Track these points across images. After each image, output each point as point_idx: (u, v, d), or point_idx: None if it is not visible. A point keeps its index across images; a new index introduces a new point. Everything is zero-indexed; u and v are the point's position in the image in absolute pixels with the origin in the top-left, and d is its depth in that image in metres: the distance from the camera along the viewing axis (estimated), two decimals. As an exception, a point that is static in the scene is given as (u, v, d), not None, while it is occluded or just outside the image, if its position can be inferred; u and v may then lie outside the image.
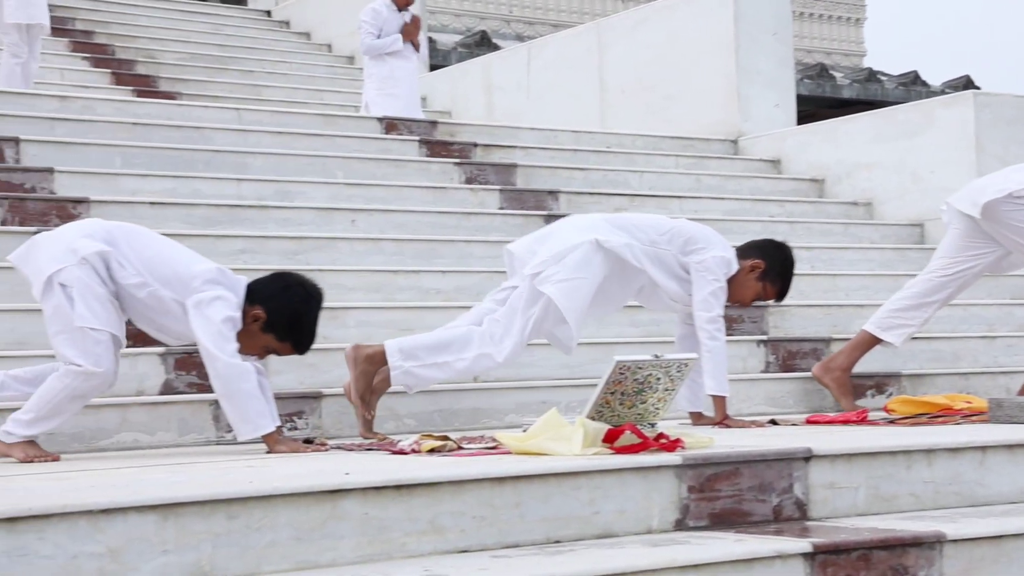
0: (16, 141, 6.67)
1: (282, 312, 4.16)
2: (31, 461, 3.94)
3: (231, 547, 2.86)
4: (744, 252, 5.02)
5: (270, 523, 2.91)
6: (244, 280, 4.23)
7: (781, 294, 5.05)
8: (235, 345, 4.08)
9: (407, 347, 4.61)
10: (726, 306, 4.98)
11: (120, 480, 3.34)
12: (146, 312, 4.17)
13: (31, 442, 4.01)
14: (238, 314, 4.12)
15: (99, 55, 11.52)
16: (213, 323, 4.05)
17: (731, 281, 4.94)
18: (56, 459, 4.02)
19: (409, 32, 9.59)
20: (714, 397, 4.90)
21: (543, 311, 4.63)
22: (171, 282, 4.13)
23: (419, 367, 4.59)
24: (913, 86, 17.55)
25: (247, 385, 4.06)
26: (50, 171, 6.39)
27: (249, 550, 2.88)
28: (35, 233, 5.64)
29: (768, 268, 4.98)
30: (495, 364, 4.68)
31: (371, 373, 4.59)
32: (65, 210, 5.98)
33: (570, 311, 4.61)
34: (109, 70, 11.11)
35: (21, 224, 5.81)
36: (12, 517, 2.63)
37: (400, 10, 9.54)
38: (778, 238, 5.33)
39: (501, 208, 7.49)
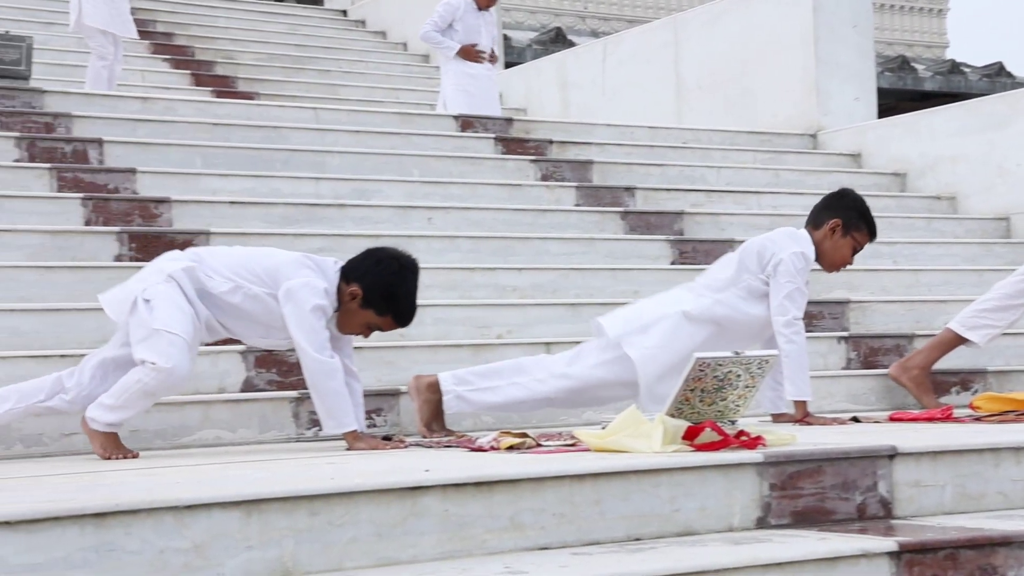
0: (100, 142, 6.78)
1: (377, 286, 4.18)
2: (110, 458, 4.00)
3: (313, 543, 2.87)
4: (816, 220, 4.99)
5: (351, 519, 2.92)
6: (333, 261, 4.27)
7: (872, 234, 5.02)
8: (324, 336, 4.10)
9: (460, 374, 4.65)
10: (836, 271, 5.04)
11: (204, 476, 3.38)
12: (248, 319, 4.19)
13: (113, 437, 4.07)
14: (326, 301, 4.14)
15: (179, 56, 11.68)
16: (303, 314, 4.08)
17: (823, 252, 4.93)
18: (136, 456, 4.07)
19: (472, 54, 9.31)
20: (795, 401, 4.85)
21: (618, 367, 4.64)
22: (261, 277, 4.17)
23: (470, 391, 4.62)
24: (998, 77, 17.24)
25: (333, 383, 4.09)
26: (132, 171, 6.48)
27: (331, 546, 2.89)
28: (119, 233, 5.73)
29: (846, 220, 4.95)
30: (545, 395, 4.67)
31: (435, 401, 4.61)
32: (147, 210, 6.06)
33: (645, 376, 4.61)
34: (189, 71, 11.25)
35: (105, 224, 5.90)
36: (100, 512, 2.67)
37: (481, 9, 9.35)
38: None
39: (577, 205, 7.47)
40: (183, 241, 5.62)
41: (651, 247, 6.96)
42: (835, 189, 5.23)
